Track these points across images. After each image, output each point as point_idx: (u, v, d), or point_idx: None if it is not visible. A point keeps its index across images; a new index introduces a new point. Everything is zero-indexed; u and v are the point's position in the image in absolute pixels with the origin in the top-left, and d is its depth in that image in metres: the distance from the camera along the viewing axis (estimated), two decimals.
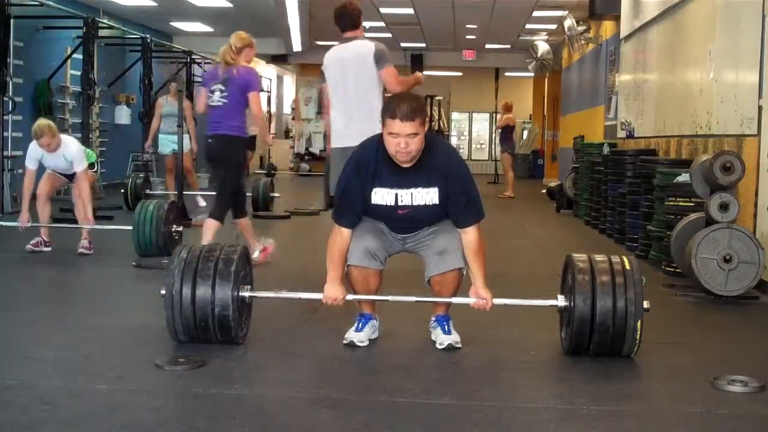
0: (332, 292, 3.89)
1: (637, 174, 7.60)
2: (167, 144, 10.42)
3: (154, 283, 5.71)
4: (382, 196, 3.81)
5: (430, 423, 3.02)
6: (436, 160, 3.79)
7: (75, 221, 7.06)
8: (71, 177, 6.82)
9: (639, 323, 3.62)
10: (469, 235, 3.83)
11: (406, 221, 3.90)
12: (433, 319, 4.06)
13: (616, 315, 3.61)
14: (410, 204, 3.80)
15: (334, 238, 3.92)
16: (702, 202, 5.60)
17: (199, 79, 16.80)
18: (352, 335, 3.97)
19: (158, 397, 3.21)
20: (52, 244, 6.79)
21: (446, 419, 3.04)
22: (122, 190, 10.29)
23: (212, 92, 5.93)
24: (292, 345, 4.06)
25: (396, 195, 3.80)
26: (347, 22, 5.55)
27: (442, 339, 3.94)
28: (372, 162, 3.78)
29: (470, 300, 3.87)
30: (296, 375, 3.53)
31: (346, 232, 3.89)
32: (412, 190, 3.78)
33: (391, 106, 3.66)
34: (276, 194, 10.45)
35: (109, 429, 2.84)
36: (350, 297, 3.95)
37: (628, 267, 3.71)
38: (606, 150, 9.41)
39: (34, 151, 6.63)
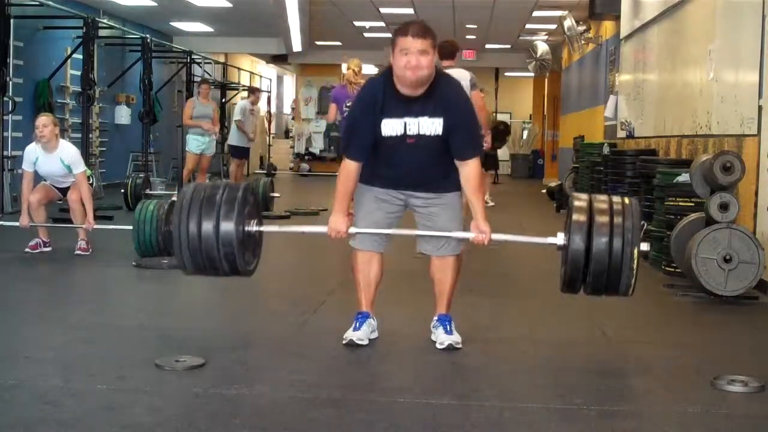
0: (336, 224, 3.88)
1: (637, 174, 7.60)
2: (196, 144, 10.57)
3: (154, 283, 5.74)
4: (391, 126, 3.80)
5: (430, 423, 3.02)
6: (443, 92, 3.82)
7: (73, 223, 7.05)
8: (64, 191, 6.79)
9: (635, 260, 3.52)
10: (470, 168, 3.85)
11: (412, 154, 3.85)
12: (435, 318, 4.05)
13: (613, 250, 3.52)
14: (417, 133, 3.80)
15: (343, 171, 3.92)
16: (702, 202, 5.60)
17: (199, 79, 16.82)
18: (351, 334, 3.97)
19: (158, 397, 3.21)
20: (51, 244, 6.78)
21: (446, 419, 3.04)
22: (122, 190, 10.29)
23: (347, 107, 7.16)
24: (292, 345, 4.06)
25: (405, 124, 3.80)
26: (444, 53, 6.89)
27: (442, 339, 3.94)
28: (379, 95, 3.81)
29: (470, 234, 3.87)
30: (296, 375, 3.53)
31: (354, 165, 3.87)
32: (419, 119, 3.79)
33: (403, 26, 3.72)
34: (276, 194, 10.45)
35: (109, 429, 2.84)
36: (353, 230, 3.91)
37: (627, 203, 3.65)
38: (606, 150, 9.41)
39: (31, 154, 6.63)
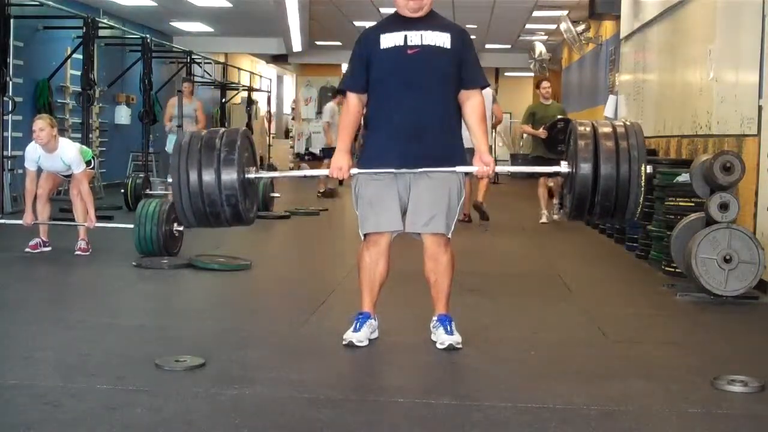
0: (337, 161, 3.87)
1: None
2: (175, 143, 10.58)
3: (154, 283, 5.74)
4: (390, 39, 3.82)
5: (430, 423, 3.02)
6: (446, 21, 3.92)
7: (74, 220, 7.05)
8: (70, 175, 6.82)
9: (642, 165, 3.52)
10: (475, 98, 3.90)
11: (417, 66, 3.81)
12: (435, 318, 4.04)
13: (620, 172, 3.52)
14: (420, 44, 3.80)
15: (345, 108, 3.96)
16: (702, 202, 5.60)
17: (199, 80, 16.84)
18: (351, 335, 3.96)
19: (158, 397, 3.21)
20: (51, 244, 6.78)
21: (446, 419, 3.04)
22: (122, 190, 10.29)
23: None
24: (292, 345, 4.06)
25: (405, 36, 3.81)
26: None
27: (443, 339, 3.93)
28: (378, 24, 3.94)
29: (474, 168, 3.86)
30: (296, 375, 3.53)
31: (354, 100, 3.90)
32: (422, 32, 3.81)
33: None
34: (276, 194, 10.45)
35: (109, 429, 2.84)
36: (354, 171, 3.88)
37: (629, 124, 3.66)
38: None
39: (33, 153, 6.64)
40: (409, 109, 3.83)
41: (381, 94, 3.89)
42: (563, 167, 3.76)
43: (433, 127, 3.85)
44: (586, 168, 3.56)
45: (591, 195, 3.59)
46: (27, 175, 6.78)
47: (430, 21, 3.86)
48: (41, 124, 6.54)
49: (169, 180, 3.72)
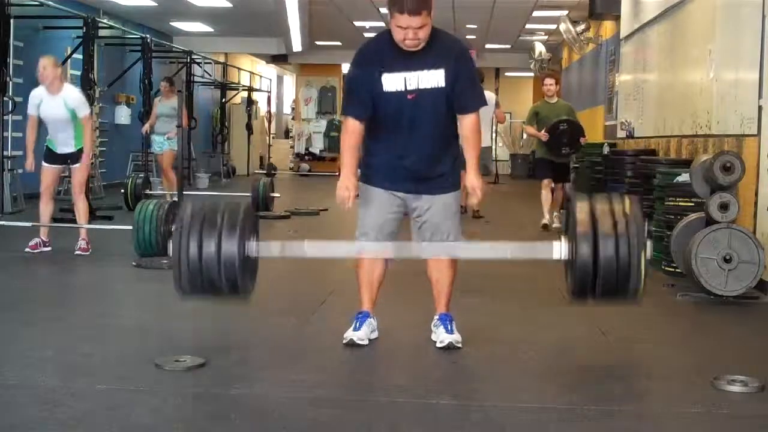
0: (344, 183, 3.82)
1: (637, 174, 7.60)
2: (158, 143, 10.63)
3: (154, 283, 5.74)
4: (392, 82, 3.81)
5: (430, 423, 3.02)
6: (444, 45, 3.87)
7: (74, 221, 7.06)
8: (65, 159, 6.76)
9: (643, 251, 3.45)
10: (469, 119, 3.91)
11: (414, 114, 3.84)
12: (437, 317, 4.05)
13: (619, 254, 3.45)
14: (417, 87, 3.81)
15: (345, 130, 3.92)
16: (702, 202, 5.59)
17: (199, 79, 16.85)
18: (351, 334, 3.97)
19: (158, 397, 3.21)
20: (51, 244, 6.78)
21: (446, 419, 3.04)
22: (122, 190, 10.29)
23: None
24: (292, 345, 4.06)
25: (404, 78, 3.80)
26: None
27: (443, 337, 3.94)
28: (380, 49, 3.86)
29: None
30: (296, 375, 3.53)
31: (355, 123, 3.88)
32: (419, 72, 3.80)
33: (398, 1, 3.69)
34: (276, 194, 10.45)
35: (109, 429, 2.84)
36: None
37: (628, 207, 3.61)
38: (606, 150, 9.41)
39: (35, 97, 6.67)
40: (410, 148, 3.90)
41: (383, 132, 3.92)
42: (561, 250, 3.63)
43: (433, 162, 3.93)
44: (585, 255, 3.47)
45: (592, 282, 3.52)
46: (28, 120, 6.77)
47: (427, 55, 3.81)
48: (44, 62, 6.59)
49: (169, 251, 3.71)
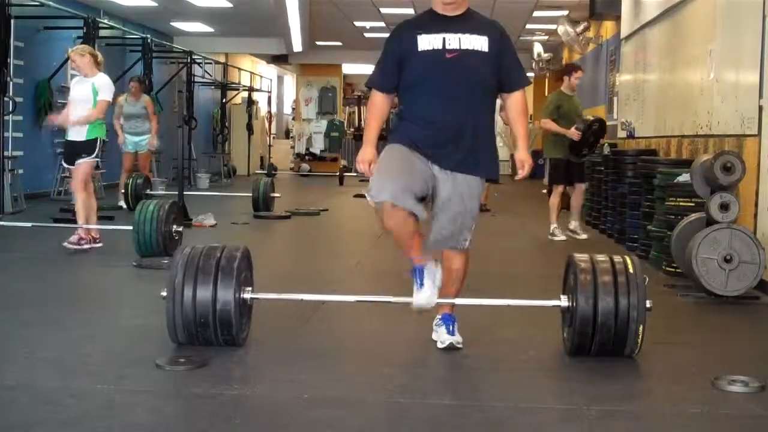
0: (364, 154, 3.78)
1: (638, 174, 7.60)
2: (129, 142, 10.67)
3: (154, 283, 5.71)
4: (428, 41, 3.75)
5: (430, 423, 3.02)
6: (484, 20, 3.89)
7: (75, 221, 7.05)
8: (79, 147, 6.81)
9: (641, 326, 3.61)
10: (518, 96, 3.93)
11: (456, 72, 3.73)
12: (439, 317, 4.02)
13: (618, 316, 3.61)
14: (458, 48, 3.74)
15: (370, 102, 3.93)
16: (702, 202, 5.59)
17: (200, 80, 16.86)
18: (417, 298, 3.78)
19: (158, 397, 3.21)
20: (101, 239, 6.90)
21: (446, 419, 3.04)
22: (122, 191, 10.29)
23: None
24: (292, 345, 4.06)
25: (444, 39, 3.74)
26: None
27: (444, 338, 3.92)
28: (418, 18, 3.88)
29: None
30: (296, 375, 3.53)
31: (378, 95, 3.86)
32: (460, 35, 3.75)
33: None
34: (276, 194, 10.45)
35: (109, 429, 2.84)
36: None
37: (630, 267, 3.71)
38: (606, 150, 9.40)
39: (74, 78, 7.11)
40: (446, 112, 3.75)
41: (417, 96, 3.81)
42: (563, 301, 3.85)
43: (467, 133, 3.78)
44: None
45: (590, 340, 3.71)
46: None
47: (467, 22, 3.79)
48: (72, 55, 6.89)
49: (163, 294, 3.73)
